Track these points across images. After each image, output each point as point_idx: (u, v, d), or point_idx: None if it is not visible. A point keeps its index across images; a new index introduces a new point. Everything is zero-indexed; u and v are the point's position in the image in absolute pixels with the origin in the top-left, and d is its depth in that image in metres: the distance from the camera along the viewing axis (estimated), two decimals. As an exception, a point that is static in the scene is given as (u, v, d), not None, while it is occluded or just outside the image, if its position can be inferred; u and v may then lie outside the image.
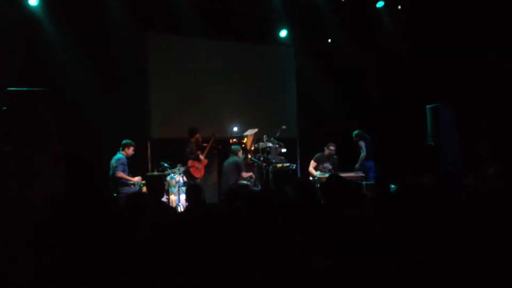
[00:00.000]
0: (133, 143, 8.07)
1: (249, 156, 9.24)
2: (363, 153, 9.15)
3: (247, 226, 3.24)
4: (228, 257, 2.92)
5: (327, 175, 8.13)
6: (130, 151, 8.03)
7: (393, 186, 6.09)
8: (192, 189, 4.94)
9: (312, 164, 9.01)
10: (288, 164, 9.19)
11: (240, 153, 8.83)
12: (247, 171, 8.81)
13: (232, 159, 8.68)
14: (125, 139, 8.07)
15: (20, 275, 2.80)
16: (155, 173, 8.44)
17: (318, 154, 9.09)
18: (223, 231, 3.09)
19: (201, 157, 8.96)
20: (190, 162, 8.79)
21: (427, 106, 9.10)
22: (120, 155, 7.95)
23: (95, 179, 7.95)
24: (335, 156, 9.08)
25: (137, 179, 7.96)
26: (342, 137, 9.84)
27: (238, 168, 8.55)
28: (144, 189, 7.71)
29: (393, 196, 4.22)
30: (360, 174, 8.65)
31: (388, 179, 5.92)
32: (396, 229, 3.30)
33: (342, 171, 8.62)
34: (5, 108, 6.27)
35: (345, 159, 9.35)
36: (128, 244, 3.10)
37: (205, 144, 9.20)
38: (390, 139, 9.96)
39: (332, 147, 9.01)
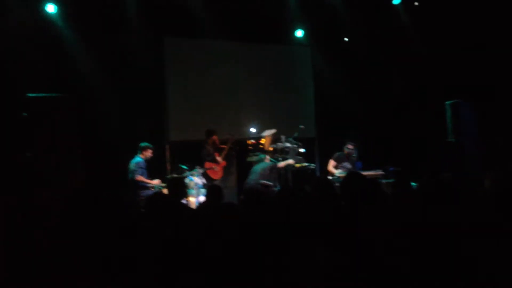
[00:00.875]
0: (151, 146, 8.10)
1: (267, 157, 9.21)
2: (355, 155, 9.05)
3: (266, 224, 3.23)
4: (245, 255, 2.91)
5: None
6: (148, 154, 8.05)
7: (413, 184, 6.00)
8: (213, 191, 4.93)
9: (332, 163, 8.93)
10: (306, 164, 9.15)
11: (268, 159, 8.83)
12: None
13: (266, 163, 8.64)
14: (143, 142, 8.11)
15: (38, 276, 2.82)
16: (175, 175, 8.46)
17: (337, 153, 8.99)
18: (241, 229, 3.08)
19: (219, 159, 8.96)
20: (207, 164, 8.81)
21: (447, 103, 8.99)
22: (138, 158, 7.98)
23: (115, 183, 7.99)
24: (354, 155, 8.98)
25: (156, 182, 7.98)
26: (362, 134, 9.78)
27: (274, 171, 8.54)
28: (165, 191, 7.73)
29: (415, 193, 4.16)
30: (380, 172, 8.55)
31: (408, 176, 5.84)
32: (417, 226, 3.26)
33: (362, 169, 8.54)
34: (25, 114, 6.36)
35: (364, 157, 9.26)
36: (148, 246, 3.10)
37: (222, 146, 9.22)
38: (409, 137, 9.87)
39: (350, 146, 8.90)
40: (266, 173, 8.42)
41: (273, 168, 8.56)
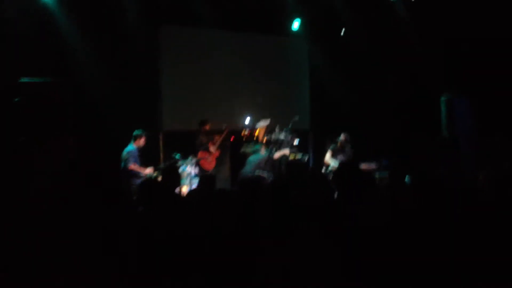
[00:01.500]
0: (144, 133, 7.99)
1: (263, 148, 9.19)
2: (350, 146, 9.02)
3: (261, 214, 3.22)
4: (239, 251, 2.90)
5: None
6: (142, 141, 7.96)
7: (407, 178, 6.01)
8: (205, 180, 4.89)
9: (330, 153, 8.85)
10: (300, 156, 9.13)
11: (263, 150, 8.78)
12: None
13: (262, 154, 8.57)
14: (137, 130, 8.04)
15: (31, 269, 2.78)
16: (168, 163, 8.38)
17: (332, 146, 8.95)
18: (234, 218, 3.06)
19: (212, 148, 8.92)
20: (200, 154, 8.77)
21: (442, 98, 9.00)
22: (131, 147, 7.90)
23: (108, 171, 7.92)
24: (349, 147, 8.94)
25: (148, 170, 7.92)
26: (356, 127, 9.77)
27: (269, 162, 8.47)
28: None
29: (410, 188, 4.15)
30: (373, 166, 8.54)
31: (403, 170, 5.86)
32: (410, 222, 3.26)
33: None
34: (17, 99, 6.32)
35: (358, 151, 9.24)
36: (141, 237, 3.07)
37: (217, 137, 9.18)
38: (403, 131, 9.88)
39: (342, 137, 8.84)
40: (261, 165, 8.39)
41: (269, 160, 8.53)
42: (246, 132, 9.58)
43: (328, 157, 8.83)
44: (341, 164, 4.46)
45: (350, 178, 3.62)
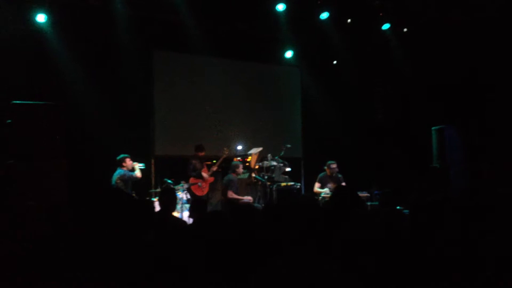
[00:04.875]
0: (127, 155, 7.92)
1: (253, 175, 9.16)
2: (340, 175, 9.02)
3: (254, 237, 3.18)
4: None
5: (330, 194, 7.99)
6: (128, 163, 7.88)
7: (398, 207, 5.99)
8: (196, 205, 4.86)
9: (317, 185, 8.91)
10: (292, 183, 9.12)
11: (240, 169, 8.69)
12: (247, 190, 8.74)
13: (228, 176, 8.55)
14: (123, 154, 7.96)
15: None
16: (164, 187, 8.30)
17: (321, 174, 8.98)
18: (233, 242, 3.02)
19: (205, 175, 8.86)
20: (192, 180, 8.71)
21: (433, 128, 9.07)
22: (120, 170, 7.82)
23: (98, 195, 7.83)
24: (339, 176, 8.95)
25: None
26: (347, 156, 9.79)
27: (229, 185, 8.41)
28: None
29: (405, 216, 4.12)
30: (365, 194, 8.54)
31: (394, 200, 5.86)
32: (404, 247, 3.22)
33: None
34: (9, 121, 6.28)
35: (350, 179, 9.24)
36: (134, 254, 3.02)
37: (208, 162, 9.13)
38: (395, 160, 9.91)
39: (332, 165, 8.87)
40: (233, 186, 8.35)
41: (230, 182, 8.44)
42: (238, 159, 9.56)
43: (316, 187, 8.86)
44: (337, 188, 4.43)
45: (348, 200, 3.58)
